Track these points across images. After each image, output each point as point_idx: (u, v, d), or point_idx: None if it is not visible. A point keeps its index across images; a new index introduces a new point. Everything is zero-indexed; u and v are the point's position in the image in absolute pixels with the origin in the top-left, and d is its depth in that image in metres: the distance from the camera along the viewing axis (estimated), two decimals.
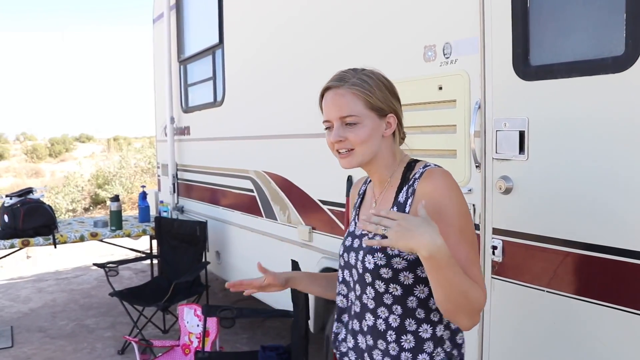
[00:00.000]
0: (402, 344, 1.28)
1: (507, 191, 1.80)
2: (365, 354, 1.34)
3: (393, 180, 1.37)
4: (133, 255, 4.91)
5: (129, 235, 4.53)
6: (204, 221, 4.20)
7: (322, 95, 1.37)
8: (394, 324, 1.29)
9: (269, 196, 3.38)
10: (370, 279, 1.29)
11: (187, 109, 4.65)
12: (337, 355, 1.46)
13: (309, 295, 2.87)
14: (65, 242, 4.31)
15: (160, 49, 4.90)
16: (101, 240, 4.51)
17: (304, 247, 3.02)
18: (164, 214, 4.76)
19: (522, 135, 1.77)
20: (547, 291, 1.69)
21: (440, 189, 1.25)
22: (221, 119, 4.02)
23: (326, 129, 1.35)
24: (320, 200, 2.87)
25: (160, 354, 3.38)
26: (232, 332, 4.22)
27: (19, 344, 4.21)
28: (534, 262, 1.73)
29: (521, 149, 1.77)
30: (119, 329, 4.44)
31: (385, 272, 1.27)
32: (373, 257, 1.28)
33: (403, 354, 1.28)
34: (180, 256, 4.28)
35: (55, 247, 4.27)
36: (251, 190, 3.58)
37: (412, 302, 1.28)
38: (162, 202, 5.02)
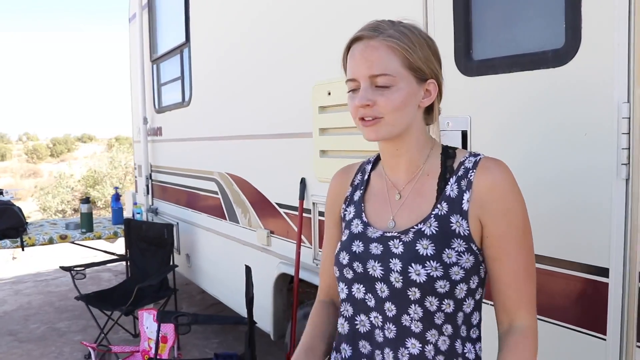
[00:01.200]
0: None
1: None
2: None
3: (428, 167, 1.10)
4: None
5: (99, 238, 4.44)
6: (172, 224, 4.10)
7: (348, 48, 1.07)
8: (443, 347, 1.03)
9: (231, 198, 3.27)
10: (418, 294, 1.01)
11: (160, 109, 4.55)
12: None
13: (268, 301, 2.77)
14: (33, 245, 4.22)
15: (135, 48, 4.81)
16: (72, 242, 4.42)
17: (263, 251, 2.91)
18: (137, 216, 4.66)
19: (464, 135, 1.67)
20: None
21: (504, 185, 1.03)
22: (189, 119, 3.92)
23: (350, 91, 1.06)
24: (277, 204, 2.77)
25: None
26: (204, 337, 4.12)
27: None
28: None
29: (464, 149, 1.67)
30: (90, 332, 4.34)
31: (442, 286, 1.00)
32: (423, 267, 1.00)
33: None
34: (149, 259, 4.17)
35: (23, 249, 4.18)
36: (216, 193, 3.48)
37: (459, 318, 1.04)
38: (136, 203, 4.93)
